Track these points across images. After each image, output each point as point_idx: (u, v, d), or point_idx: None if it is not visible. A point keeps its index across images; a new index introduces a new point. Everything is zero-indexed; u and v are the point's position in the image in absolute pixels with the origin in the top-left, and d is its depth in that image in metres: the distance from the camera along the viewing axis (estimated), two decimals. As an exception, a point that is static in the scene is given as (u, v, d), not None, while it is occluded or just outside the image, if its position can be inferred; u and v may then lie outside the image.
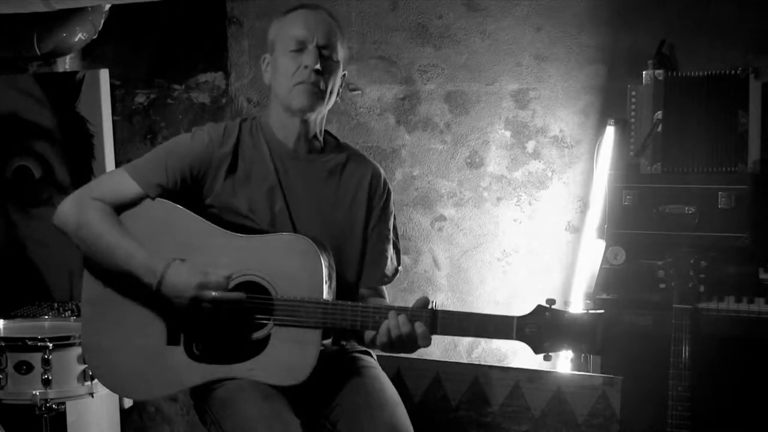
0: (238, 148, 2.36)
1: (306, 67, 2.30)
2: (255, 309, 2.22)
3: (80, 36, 3.73)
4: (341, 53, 2.38)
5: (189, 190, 2.33)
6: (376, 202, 2.45)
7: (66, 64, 4.00)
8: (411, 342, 2.17)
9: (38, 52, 3.74)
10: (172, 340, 2.28)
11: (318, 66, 2.30)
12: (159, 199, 2.30)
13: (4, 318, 3.44)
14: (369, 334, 2.27)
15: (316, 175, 2.39)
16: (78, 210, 2.29)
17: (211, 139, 2.35)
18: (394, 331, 2.16)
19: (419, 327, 2.16)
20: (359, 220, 2.42)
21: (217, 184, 2.34)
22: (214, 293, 2.18)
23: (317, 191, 2.39)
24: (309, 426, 2.24)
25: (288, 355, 2.20)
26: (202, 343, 2.26)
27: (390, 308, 2.19)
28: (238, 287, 2.23)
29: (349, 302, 2.22)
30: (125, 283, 2.28)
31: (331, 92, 2.35)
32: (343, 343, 2.45)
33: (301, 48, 2.31)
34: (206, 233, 2.27)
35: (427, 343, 2.17)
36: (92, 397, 3.11)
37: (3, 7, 3.38)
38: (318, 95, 2.32)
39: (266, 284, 2.22)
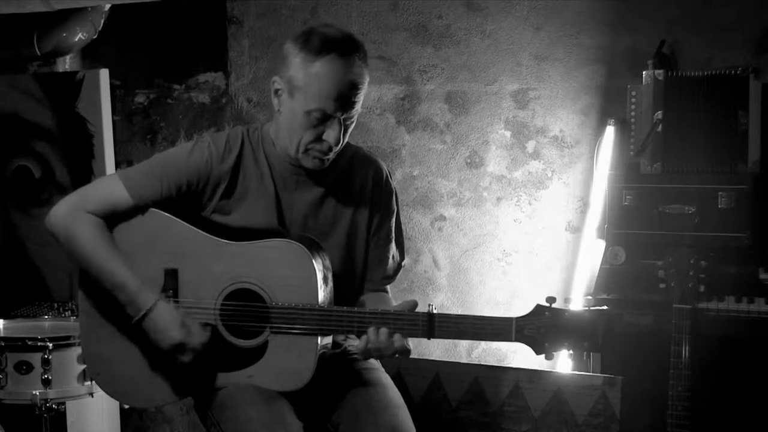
0: (239, 165, 2.30)
1: (326, 141, 2.22)
2: (251, 317, 2.21)
3: (80, 36, 3.73)
4: (363, 97, 2.25)
5: (183, 201, 2.29)
6: (379, 205, 2.41)
7: (66, 64, 4.00)
8: (390, 355, 2.17)
9: (38, 52, 3.74)
10: (164, 356, 2.26)
11: (340, 141, 2.22)
12: (151, 209, 2.27)
13: (4, 318, 3.44)
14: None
15: (317, 191, 2.34)
16: (70, 222, 2.25)
17: (211, 155, 2.28)
18: (375, 353, 2.17)
19: (398, 341, 2.15)
20: (362, 226, 2.39)
21: (213, 201, 2.30)
22: (188, 358, 2.20)
23: (317, 207, 2.34)
24: (311, 429, 2.24)
25: (287, 362, 2.19)
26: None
27: (385, 313, 2.17)
28: (233, 295, 2.23)
29: (345, 307, 2.20)
30: (116, 300, 2.27)
31: (345, 138, 2.27)
32: (345, 345, 2.44)
33: (325, 119, 2.20)
34: (198, 242, 2.25)
35: (406, 356, 2.18)
36: (92, 397, 3.11)
37: (3, 7, 3.38)
38: (331, 157, 2.27)
39: (260, 291, 2.21)
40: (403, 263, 2.51)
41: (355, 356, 2.42)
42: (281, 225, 2.31)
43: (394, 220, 2.47)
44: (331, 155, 2.26)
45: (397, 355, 2.17)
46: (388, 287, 2.50)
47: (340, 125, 2.21)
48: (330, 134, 2.21)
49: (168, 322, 2.20)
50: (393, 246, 2.46)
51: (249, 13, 3.82)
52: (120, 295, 2.23)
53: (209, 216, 2.32)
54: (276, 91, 2.25)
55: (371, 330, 2.15)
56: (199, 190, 2.29)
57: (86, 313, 2.34)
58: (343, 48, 2.18)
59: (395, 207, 2.47)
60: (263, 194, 2.31)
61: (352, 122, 2.26)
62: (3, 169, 4.05)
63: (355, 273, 2.41)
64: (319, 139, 2.22)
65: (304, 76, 2.18)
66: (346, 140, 2.28)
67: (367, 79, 2.23)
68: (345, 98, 2.18)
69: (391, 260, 2.45)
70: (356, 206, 2.38)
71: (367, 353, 2.18)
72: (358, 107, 2.23)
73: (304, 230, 2.32)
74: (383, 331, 2.14)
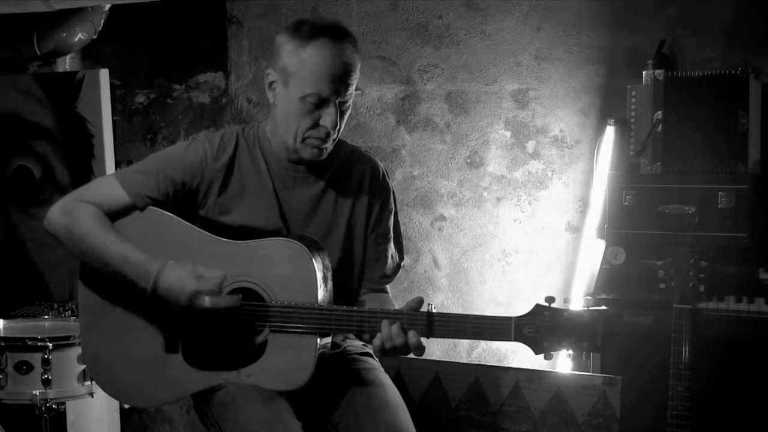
0: (233, 162, 2.31)
1: (323, 126, 2.22)
2: (250, 315, 2.21)
3: (80, 36, 3.73)
4: (356, 82, 2.26)
5: (182, 200, 2.30)
6: (376, 203, 2.41)
7: (66, 64, 4.00)
8: (405, 351, 2.16)
9: (38, 52, 3.74)
10: (170, 348, 2.27)
11: (336, 126, 2.23)
12: (150, 207, 2.28)
13: (4, 318, 3.44)
14: (366, 336, 2.27)
15: (315, 188, 2.34)
16: (68, 213, 2.26)
17: (205, 153, 2.29)
18: (388, 343, 2.14)
19: (413, 337, 2.13)
20: (361, 223, 2.39)
21: (209, 199, 2.31)
22: (207, 300, 2.17)
23: (316, 204, 2.34)
24: (310, 428, 2.24)
25: (286, 361, 2.19)
26: (200, 351, 2.25)
27: (385, 313, 2.17)
28: (232, 294, 2.22)
29: (344, 306, 2.19)
30: (120, 291, 2.27)
31: (342, 124, 2.27)
32: (345, 346, 2.44)
33: (320, 104, 2.21)
34: (198, 240, 2.25)
35: (420, 353, 2.15)
36: (92, 397, 3.11)
37: (3, 7, 3.38)
38: (329, 146, 2.27)
39: (260, 290, 2.21)
40: (402, 264, 2.51)
41: (355, 356, 2.42)
42: (281, 223, 2.32)
43: (392, 219, 2.46)
44: (329, 144, 2.26)
45: (412, 353, 2.15)
46: (388, 287, 2.50)
47: (336, 109, 2.21)
48: (327, 119, 2.21)
49: (180, 277, 2.18)
50: (391, 245, 2.46)
51: (249, 13, 3.82)
52: (129, 271, 2.21)
53: (208, 215, 2.32)
54: (270, 84, 2.26)
55: (384, 324, 2.13)
56: (194, 189, 2.30)
57: (86, 311, 2.34)
58: (333, 33, 2.20)
59: (393, 206, 2.47)
60: (261, 192, 2.31)
61: (348, 107, 2.26)
62: (3, 169, 4.05)
63: (355, 271, 2.41)
64: (316, 125, 2.22)
65: (297, 62, 2.19)
66: (342, 126, 2.27)
67: (358, 65, 2.24)
68: (339, 80, 2.19)
69: (389, 260, 2.45)
70: (354, 203, 2.38)
71: (383, 351, 2.16)
72: (352, 90, 2.23)
73: (304, 228, 2.32)
74: (396, 328, 2.13)
